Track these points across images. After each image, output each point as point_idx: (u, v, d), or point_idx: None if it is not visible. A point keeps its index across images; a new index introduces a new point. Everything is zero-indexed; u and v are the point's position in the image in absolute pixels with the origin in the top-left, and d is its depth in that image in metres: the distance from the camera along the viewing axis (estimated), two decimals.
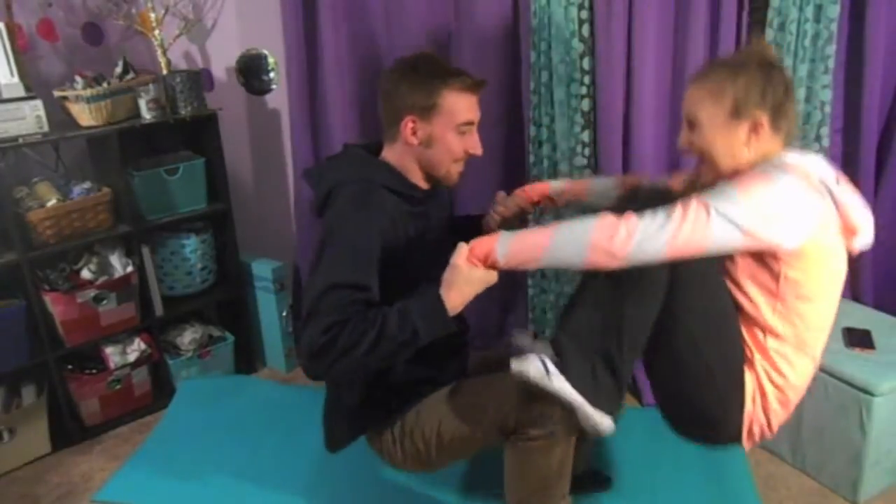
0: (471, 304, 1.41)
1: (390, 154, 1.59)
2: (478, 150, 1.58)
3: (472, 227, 1.83)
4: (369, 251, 1.43)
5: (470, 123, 1.54)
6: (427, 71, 1.52)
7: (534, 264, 1.32)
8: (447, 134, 1.52)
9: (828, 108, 2.08)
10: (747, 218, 1.20)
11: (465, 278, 1.36)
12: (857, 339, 2.01)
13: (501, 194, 1.81)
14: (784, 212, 1.23)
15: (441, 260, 1.40)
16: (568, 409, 1.39)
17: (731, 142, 1.35)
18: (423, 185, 1.60)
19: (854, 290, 2.27)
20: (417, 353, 1.42)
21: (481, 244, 1.35)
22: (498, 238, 1.34)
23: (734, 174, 1.33)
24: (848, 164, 2.16)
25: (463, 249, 1.37)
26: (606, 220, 1.24)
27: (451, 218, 1.81)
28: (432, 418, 1.58)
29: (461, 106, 1.52)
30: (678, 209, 1.21)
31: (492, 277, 1.37)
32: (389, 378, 1.60)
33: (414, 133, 1.52)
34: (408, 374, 1.61)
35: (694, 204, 1.21)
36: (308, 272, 1.50)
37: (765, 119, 1.33)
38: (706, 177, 1.41)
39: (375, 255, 1.44)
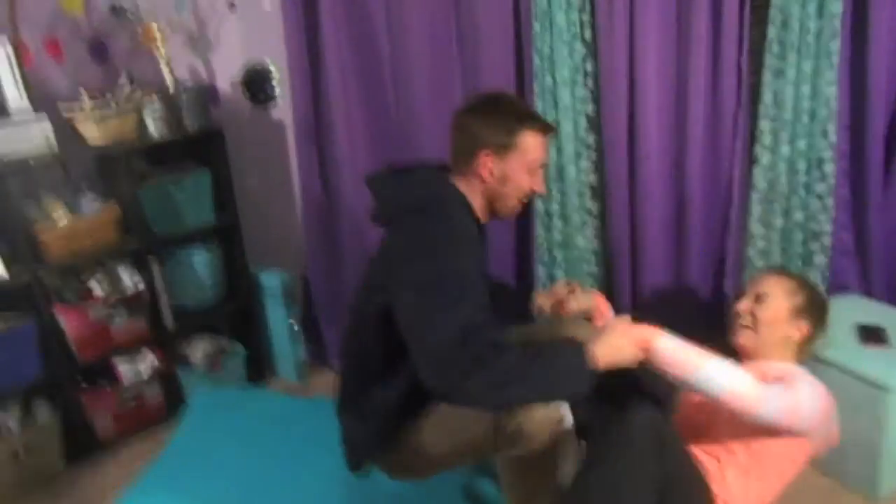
0: None
1: (459, 184, 1.61)
2: (543, 189, 1.66)
3: (509, 298, 1.90)
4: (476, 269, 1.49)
5: (541, 165, 1.62)
6: (507, 111, 1.58)
7: (676, 373, 1.49)
8: (520, 172, 1.58)
9: (833, 105, 2.06)
10: (813, 424, 1.56)
11: (619, 347, 1.47)
12: (871, 335, 1.99)
13: (578, 287, 1.86)
14: (830, 426, 1.62)
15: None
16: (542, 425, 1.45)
17: (781, 328, 1.69)
18: (482, 219, 1.64)
19: (866, 287, 2.25)
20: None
21: (644, 331, 1.51)
22: (661, 334, 1.51)
23: (759, 354, 1.69)
24: (856, 159, 2.15)
25: (625, 323, 1.53)
26: (749, 379, 1.49)
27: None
28: (423, 433, 1.60)
29: (536, 146, 1.58)
30: (792, 401, 1.51)
31: (637, 359, 1.49)
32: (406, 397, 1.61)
33: (488, 169, 1.57)
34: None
35: (800, 401, 1.52)
36: (392, 285, 1.49)
37: (807, 330, 1.70)
38: (744, 339, 1.72)
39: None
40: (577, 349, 1.45)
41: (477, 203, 1.61)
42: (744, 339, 1.72)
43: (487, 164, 1.56)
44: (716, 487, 1.56)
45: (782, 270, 1.82)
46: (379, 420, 1.62)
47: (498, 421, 1.46)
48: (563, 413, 1.49)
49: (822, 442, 1.63)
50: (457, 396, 1.38)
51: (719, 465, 1.60)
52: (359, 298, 1.68)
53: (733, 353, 1.70)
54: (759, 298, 1.72)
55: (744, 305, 1.74)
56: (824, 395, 1.57)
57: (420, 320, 1.41)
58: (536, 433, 1.44)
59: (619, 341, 1.48)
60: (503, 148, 1.55)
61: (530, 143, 1.57)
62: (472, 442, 1.53)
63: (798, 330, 1.69)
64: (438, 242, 1.47)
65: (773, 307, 1.69)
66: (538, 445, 1.46)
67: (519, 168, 1.57)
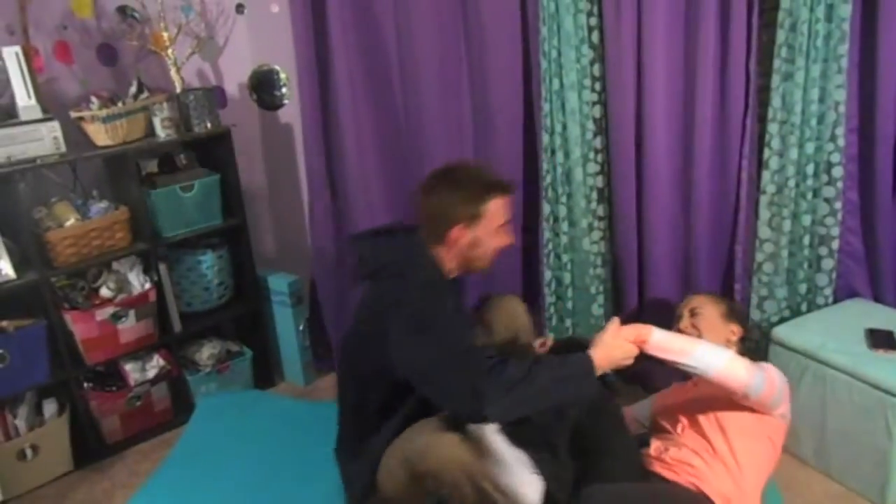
0: None
1: (434, 250, 1.75)
2: (512, 241, 1.78)
3: None
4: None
5: (507, 223, 1.74)
6: (471, 184, 1.71)
7: (674, 359, 1.65)
8: (490, 235, 1.72)
9: (842, 108, 2.05)
10: (784, 396, 1.74)
11: (616, 347, 1.61)
12: (880, 340, 1.98)
13: (550, 340, 2.04)
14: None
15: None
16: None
17: (720, 332, 1.93)
18: (453, 275, 1.78)
19: (875, 291, 2.24)
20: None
21: (638, 328, 1.66)
22: (653, 329, 1.66)
23: None
24: (864, 163, 2.14)
25: (615, 326, 1.65)
26: (735, 356, 1.67)
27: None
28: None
29: (502, 210, 1.72)
30: (767, 374, 1.68)
31: (634, 353, 1.63)
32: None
33: (460, 238, 1.70)
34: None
35: (772, 375, 1.70)
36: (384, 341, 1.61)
37: (739, 331, 1.96)
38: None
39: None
40: (580, 355, 1.59)
41: (451, 265, 1.76)
42: None
43: (459, 235, 1.70)
44: (706, 487, 1.66)
45: (697, 291, 2.19)
46: (376, 463, 1.70)
47: (410, 464, 1.55)
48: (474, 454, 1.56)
49: (788, 419, 1.79)
50: (479, 414, 1.51)
51: (704, 462, 1.71)
52: (348, 349, 1.84)
53: None
54: (693, 312, 1.98)
55: (685, 323, 1.98)
56: (780, 373, 1.76)
57: (424, 364, 1.57)
58: (443, 470, 1.51)
59: (615, 342, 1.62)
60: (473, 218, 1.69)
61: (496, 207, 1.71)
62: (402, 484, 1.60)
63: (732, 332, 1.94)
64: (417, 296, 1.62)
65: (708, 315, 1.96)
66: (450, 482, 1.51)
67: (489, 232, 1.71)
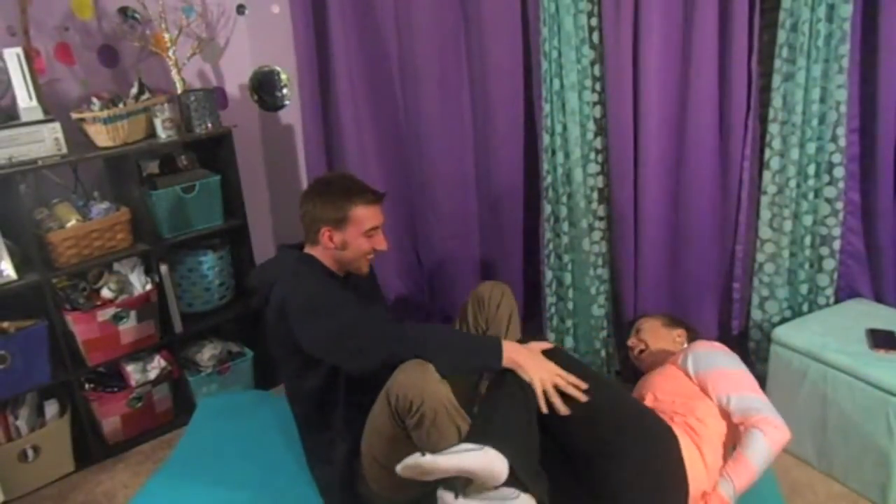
0: None
1: (314, 252, 1.90)
2: (383, 246, 1.90)
3: None
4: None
5: (375, 228, 1.86)
6: (338, 191, 1.84)
7: (754, 478, 1.66)
8: (357, 239, 1.85)
9: (843, 108, 2.05)
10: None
11: (542, 363, 1.67)
12: (882, 340, 1.98)
13: None
14: None
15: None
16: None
17: (664, 338, 2.13)
18: (339, 273, 1.92)
19: (877, 291, 2.24)
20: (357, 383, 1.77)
21: (718, 498, 1.63)
22: (724, 490, 1.63)
23: (658, 362, 2.04)
24: (866, 163, 2.14)
25: (539, 346, 1.75)
26: (773, 432, 1.66)
27: (375, 289, 2.15)
28: (362, 455, 1.76)
29: (367, 216, 1.84)
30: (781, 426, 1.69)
31: (549, 383, 1.64)
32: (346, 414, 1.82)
33: (331, 239, 1.84)
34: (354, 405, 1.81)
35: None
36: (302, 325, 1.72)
37: (684, 334, 2.14)
38: (646, 358, 2.13)
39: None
40: (495, 338, 1.75)
41: (331, 264, 1.89)
42: (646, 358, 2.13)
43: (329, 236, 1.84)
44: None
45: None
46: (343, 457, 1.81)
47: (393, 398, 1.59)
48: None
49: None
50: (385, 366, 1.61)
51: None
52: (280, 370, 1.95)
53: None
54: (638, 332, 2.21)
55: (632, 341, 2.21)
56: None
57: (326, 336, 1.68)
58: (424, 402, 1.54)
59: (545, 363, 1.66)
60: (339, 222, 1.82)
61: (361, 214, 1.83)
62: (387, 432, 1.64)
63: (678, 335, 2.12)
64: (301, 286, 1.76)
65: (649, 328, 2.18)
66: (430, 415, 1.55)
67: (356, 235, 1.84)
